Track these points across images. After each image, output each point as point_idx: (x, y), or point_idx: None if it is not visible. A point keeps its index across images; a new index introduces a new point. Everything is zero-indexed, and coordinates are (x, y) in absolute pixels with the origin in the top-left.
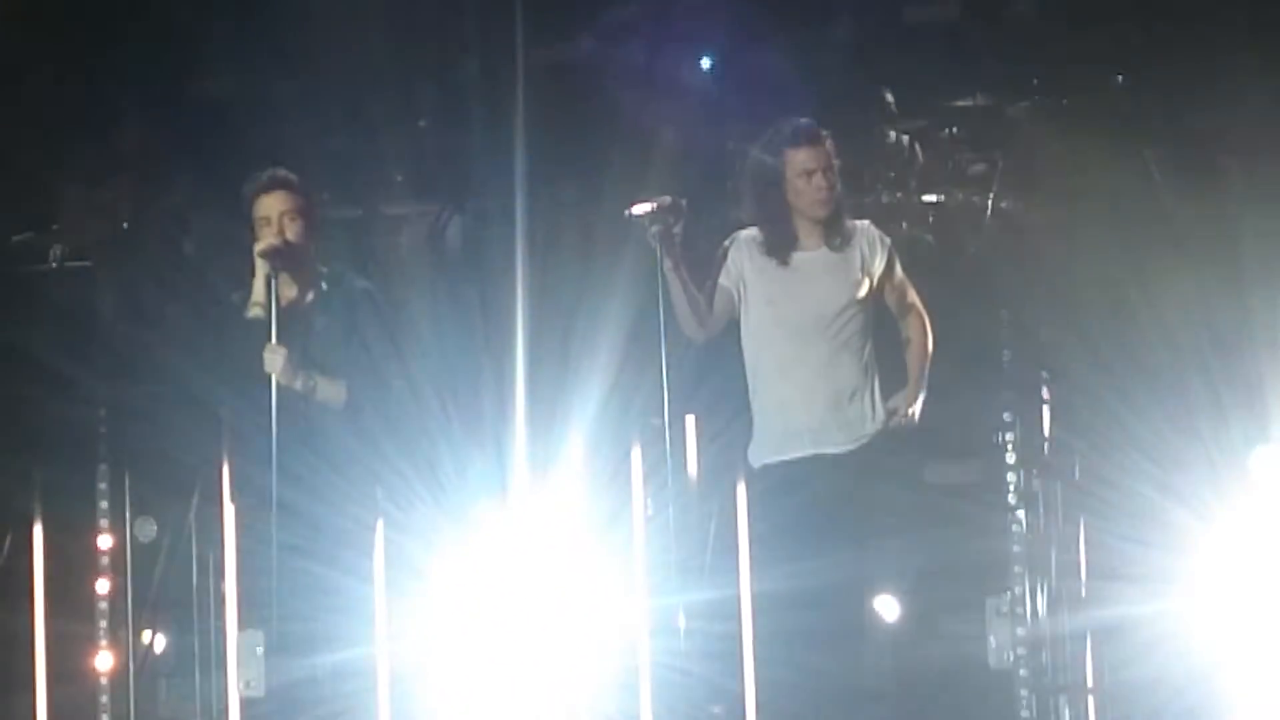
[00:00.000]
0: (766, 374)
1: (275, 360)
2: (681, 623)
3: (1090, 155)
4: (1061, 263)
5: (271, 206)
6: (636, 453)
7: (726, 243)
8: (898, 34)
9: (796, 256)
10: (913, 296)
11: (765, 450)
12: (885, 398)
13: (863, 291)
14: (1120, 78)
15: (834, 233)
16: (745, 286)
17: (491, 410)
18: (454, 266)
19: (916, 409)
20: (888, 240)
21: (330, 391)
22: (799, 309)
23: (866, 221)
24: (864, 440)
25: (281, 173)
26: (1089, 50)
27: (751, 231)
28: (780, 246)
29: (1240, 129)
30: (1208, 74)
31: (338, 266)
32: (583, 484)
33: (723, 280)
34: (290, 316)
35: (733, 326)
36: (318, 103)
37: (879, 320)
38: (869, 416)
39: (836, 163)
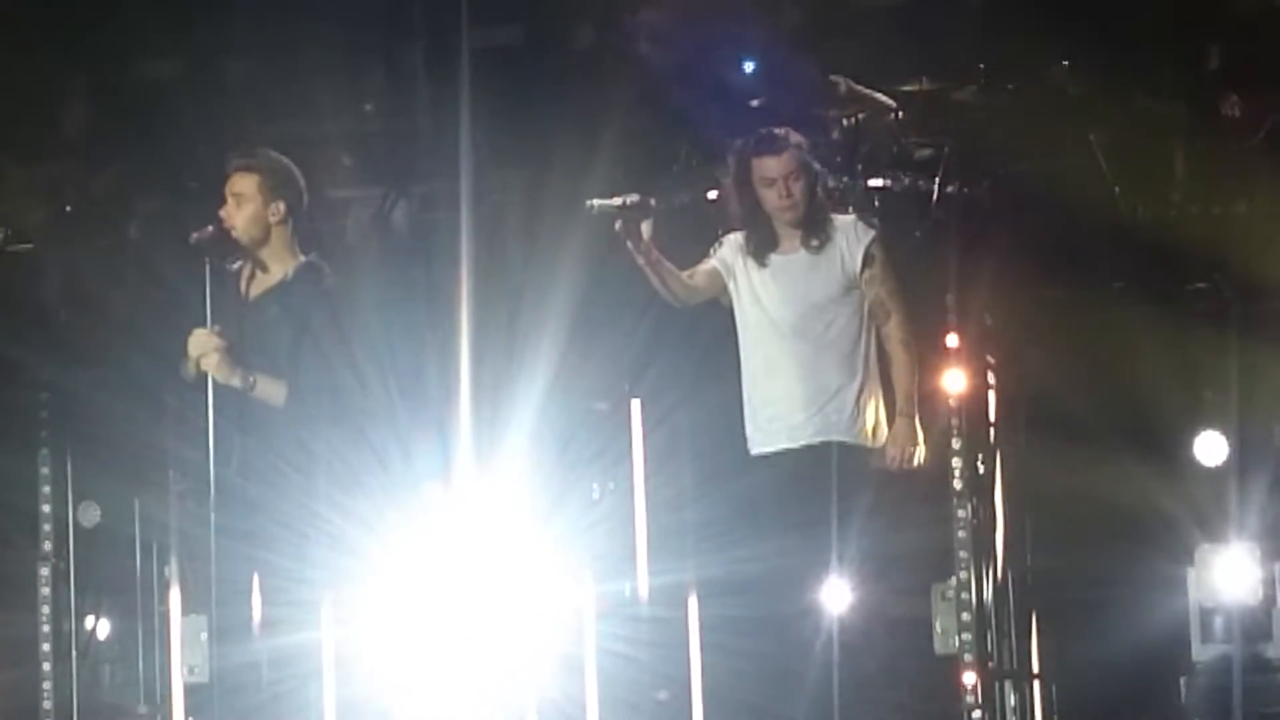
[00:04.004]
0: (752, 372)
1: (200, 344)
2: (643, 603)
3: (1036, 140)
4: (1007, 247)
5: (232, 186)
6: (583, 437)
7: (715, 246)
8: (844, 18)
9: (777, 258)
10: (889, 298)
11: (753, 443)
12: (871, 396)
13: (843, 291)
14: (1065, 63)
15: (811, 234)
16: (737, 286)
17: (436, 394)
18: (399, 250)
19: (917, 449)
20: (871, 233)
21: (270, 390)
22: (779, 310)
23: (852, 217)
24: (836, 439)
25: (250, 155)
26: (1035, 35)
27: (737, 235)
28: (761, 248)
29: (1183, 112)
30: (1151, 58)
31: (314, 259)
32: (528, 469)
33: (713, 262)
34: (248, 301)
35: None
36: (263, 86)
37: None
38: (849, 411)
39: (817, 168)
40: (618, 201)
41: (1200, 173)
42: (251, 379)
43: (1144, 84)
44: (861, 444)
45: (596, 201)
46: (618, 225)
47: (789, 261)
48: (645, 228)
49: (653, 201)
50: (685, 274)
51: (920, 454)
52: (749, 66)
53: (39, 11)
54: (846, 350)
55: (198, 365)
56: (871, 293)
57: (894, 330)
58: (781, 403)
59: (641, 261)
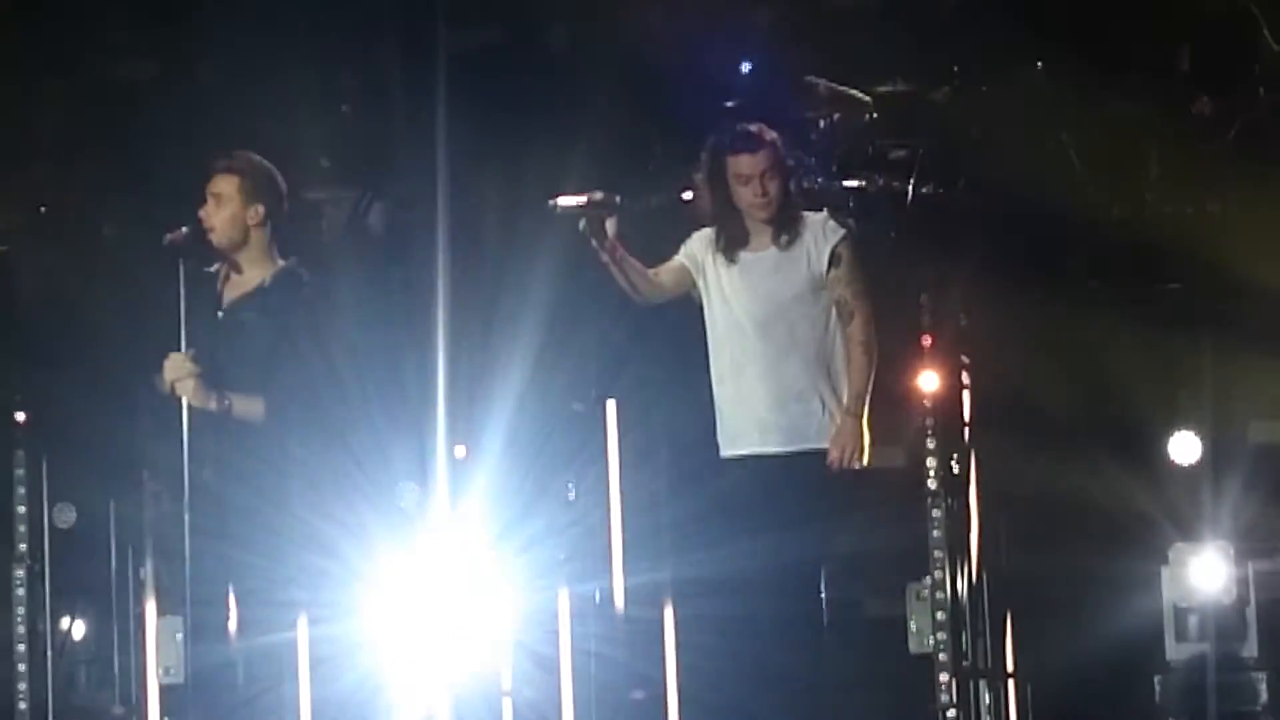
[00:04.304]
0: (720, 371)
1: (175, 369)
2: (619, 603)
3: (1010, 140)
4: (981, 247)
5: (213, 186)
6: (559, 437)
7: (685, 244)
8: (818, 20)
9: (746, 256)
10: (854, 299)
11: (722, 445)
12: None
13: (810, 290)
14: (1039, 64)
15: (782, 231)
16: (706, 283)
17: (413, 395)
18: (375, 251)
19: (861, 450)
20: (840, 232)
21: (247, 409)
22: (747, 308)
23: (823, 214)
24: (808, 446)
25: (231, 157)
26: (1008, 37)
27: (708, 232)
28: (732, 245)
29: (1155, 113)
30: (1123, 60)
31: (292, 265)
32: (504, 468)
33: (680, 258)
34: (224, 306)
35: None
36: (239, 87)
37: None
38: (817, 416)
39: (790, 163)
40: (581, 199)
41: (1173, 173)
42: (227, 401)
43: (1117, 85)
44: None
45: (560, 200)
46: (582, 224)
47: (757, 259)
48: (610, 225)
49: (618, 199)
50: (651, 271)
51: (865, 455)
52: (727, 68)
53: (13, 13)
54: (813, 352)
55: (173, 388)
56: (835, 293)
57: (856, 331)
58: (748, 404)
59: (606, 259)
